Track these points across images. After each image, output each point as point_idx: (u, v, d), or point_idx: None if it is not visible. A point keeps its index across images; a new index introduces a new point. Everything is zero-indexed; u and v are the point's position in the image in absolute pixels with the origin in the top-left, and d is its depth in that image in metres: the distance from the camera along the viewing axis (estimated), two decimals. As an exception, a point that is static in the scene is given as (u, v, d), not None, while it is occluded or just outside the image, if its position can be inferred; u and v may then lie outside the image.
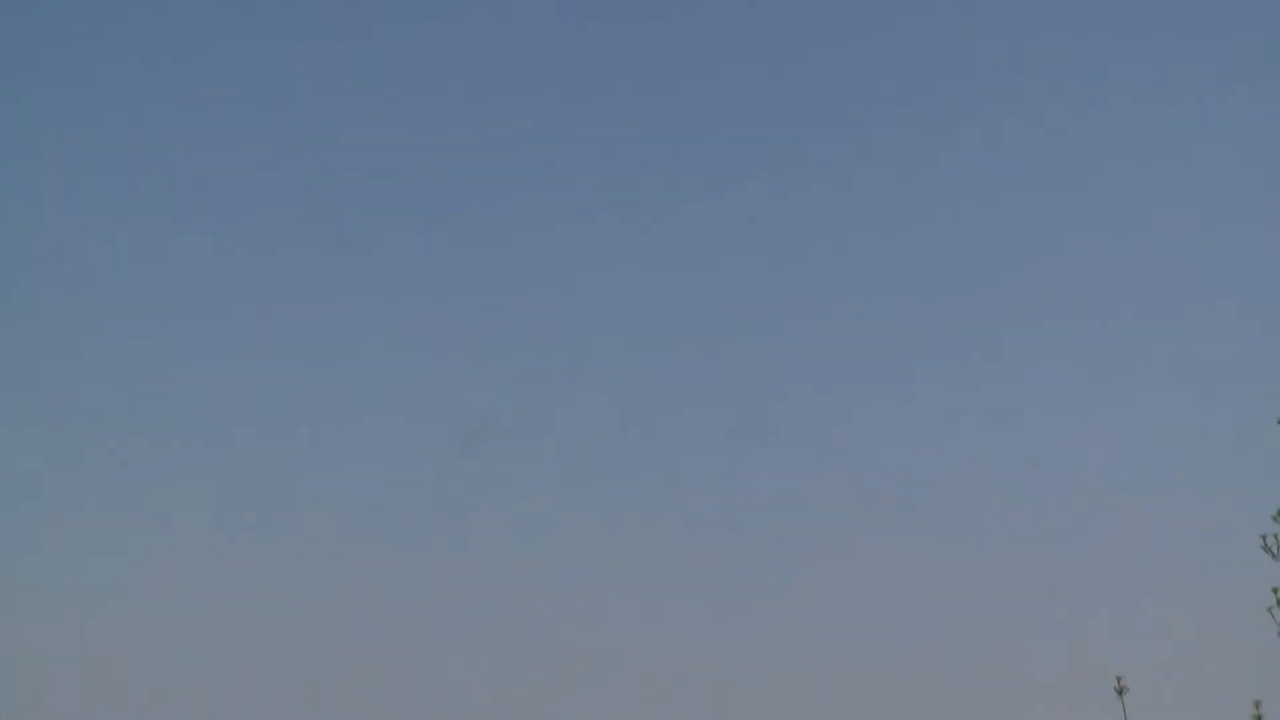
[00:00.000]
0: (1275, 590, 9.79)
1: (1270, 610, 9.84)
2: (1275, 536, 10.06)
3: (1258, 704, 10.96)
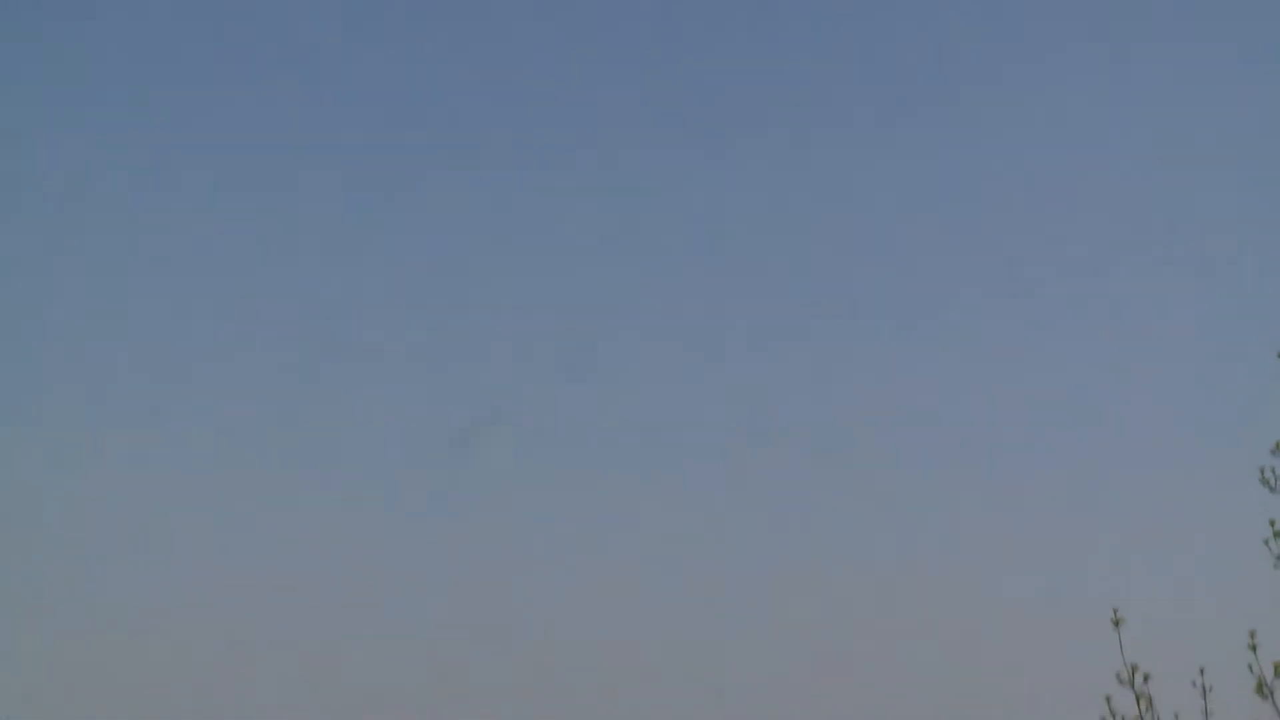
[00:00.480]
0: (1273, 523, 9.87)
1: (1266, 542, 9.93)
2: (1273, 469, 10.16)
3: (1253, 634, 11.00)
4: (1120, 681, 10.65)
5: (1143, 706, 10.54)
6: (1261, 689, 10.29)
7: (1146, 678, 10.61)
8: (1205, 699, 10.51)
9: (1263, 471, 10.90)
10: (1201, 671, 10.61)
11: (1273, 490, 11.16)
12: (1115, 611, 11.38)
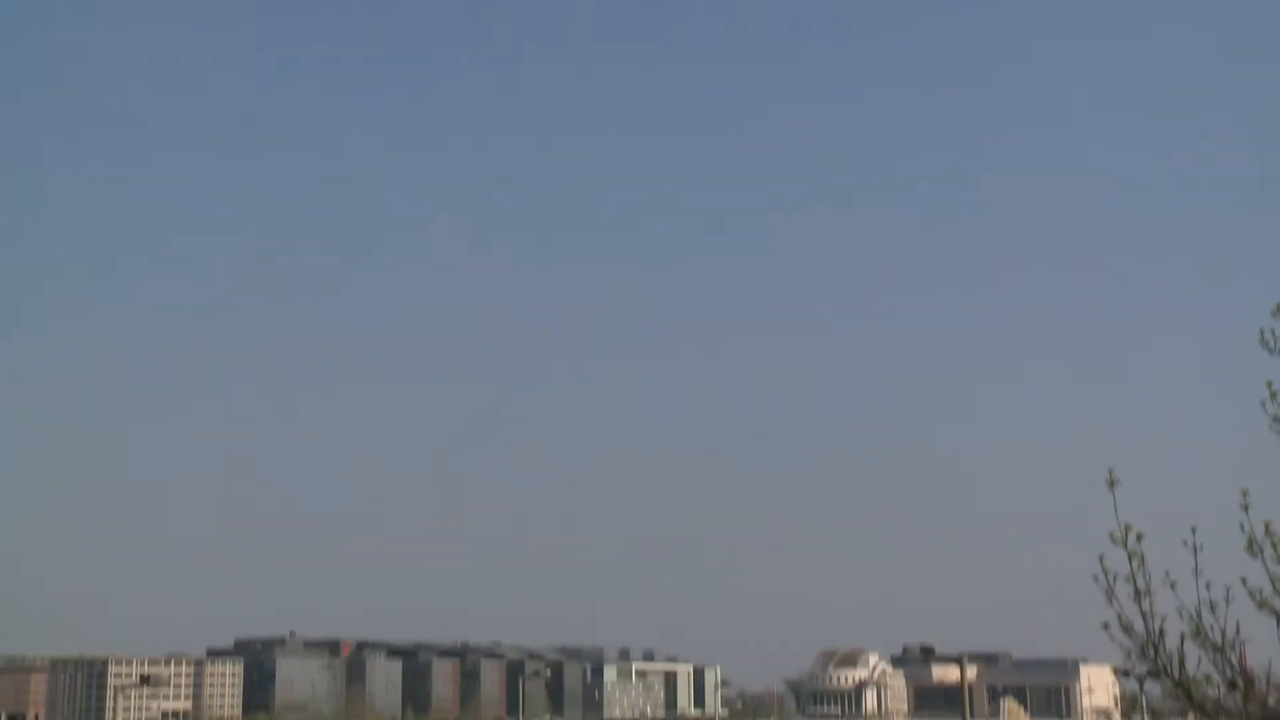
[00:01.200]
0: (1269, 384, 9.87)
1: (1263, 404, 9.95)
2: (1274, 331, 10.12)
3: (1245, 494, 11.11)
4: (1114, 541, 10.83)
5: (1135, 565, 10.73)
6: (1252, 547, 10.49)
7: (1140, 537, 10.79)
8: (1196, 557, 10.71)
9: (1263, 334, 10.94)
10: (1193, 530, 10.80)
11: (1272, 352, 11.19)
12: (1111, 472, 11.51)
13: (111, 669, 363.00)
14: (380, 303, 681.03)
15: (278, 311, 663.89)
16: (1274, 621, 10.48)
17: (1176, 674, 10.61)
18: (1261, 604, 10.54)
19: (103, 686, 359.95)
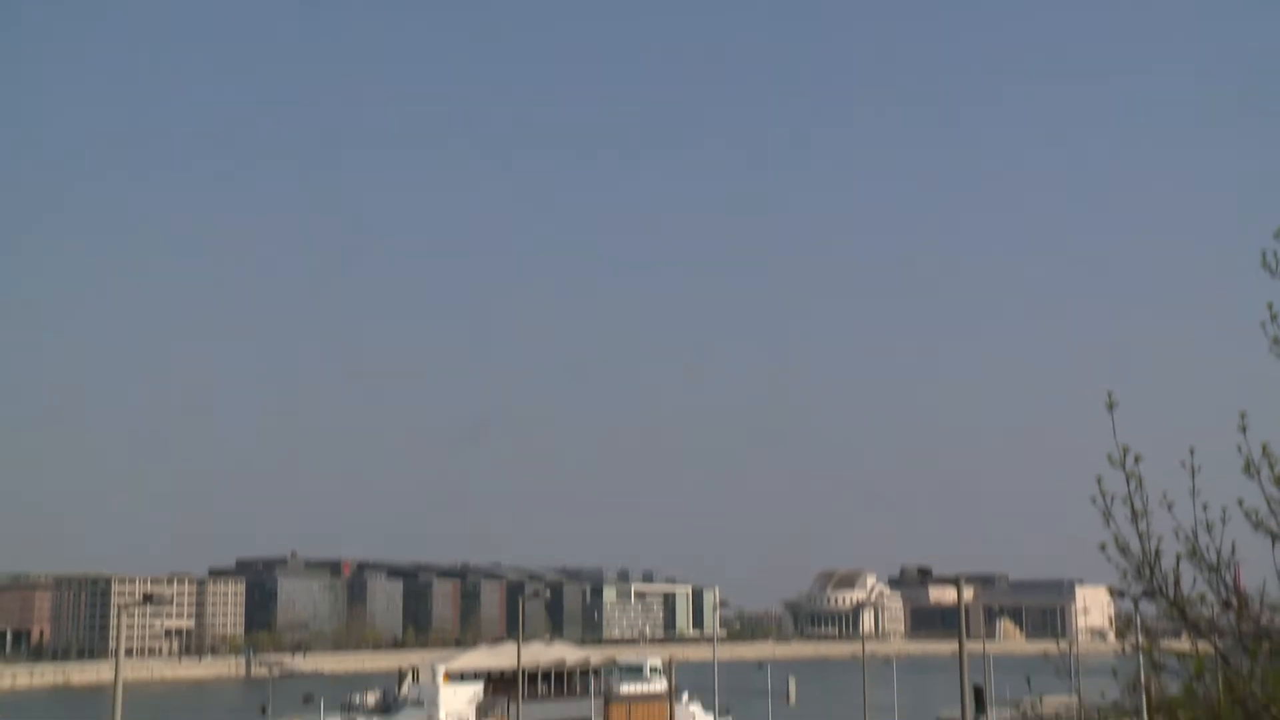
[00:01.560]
0: (1270, 305, 9.83)
1: (1263, 325, 9.89)
2: (1275, 253, 10.07)
3: (1243, 415, 11.08)
4: (1112, 463, 10.88)
5: (1132, 486, 10.79)
6: (1249, 468, 10.54)
7: (1138, 459, 10.84)
8: (1193, 478, 10.76)
9: (1264, 255, 10.94)
10: (1191, 452, 10.84)
11: (1274, 274, 11.20)
12: (1110, 395, 11.54)
13: (115, 587, 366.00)
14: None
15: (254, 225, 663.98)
16: (1269, 542, 10.56)
17: (1171, 594, 10.70)
18: (1257, 524, 10.61)
19: (106, 604, 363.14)
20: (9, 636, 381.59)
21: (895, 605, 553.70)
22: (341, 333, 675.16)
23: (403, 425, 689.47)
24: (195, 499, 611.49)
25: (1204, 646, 10.90)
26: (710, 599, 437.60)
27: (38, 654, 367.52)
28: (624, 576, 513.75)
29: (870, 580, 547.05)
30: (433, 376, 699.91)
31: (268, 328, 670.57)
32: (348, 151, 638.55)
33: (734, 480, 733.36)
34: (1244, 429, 10.58)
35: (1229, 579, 10.70)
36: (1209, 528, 10.67)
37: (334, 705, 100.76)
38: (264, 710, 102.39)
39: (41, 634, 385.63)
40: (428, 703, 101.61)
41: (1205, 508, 10.69)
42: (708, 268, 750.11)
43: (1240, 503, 10.58)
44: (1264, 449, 10.55)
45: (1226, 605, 10.78)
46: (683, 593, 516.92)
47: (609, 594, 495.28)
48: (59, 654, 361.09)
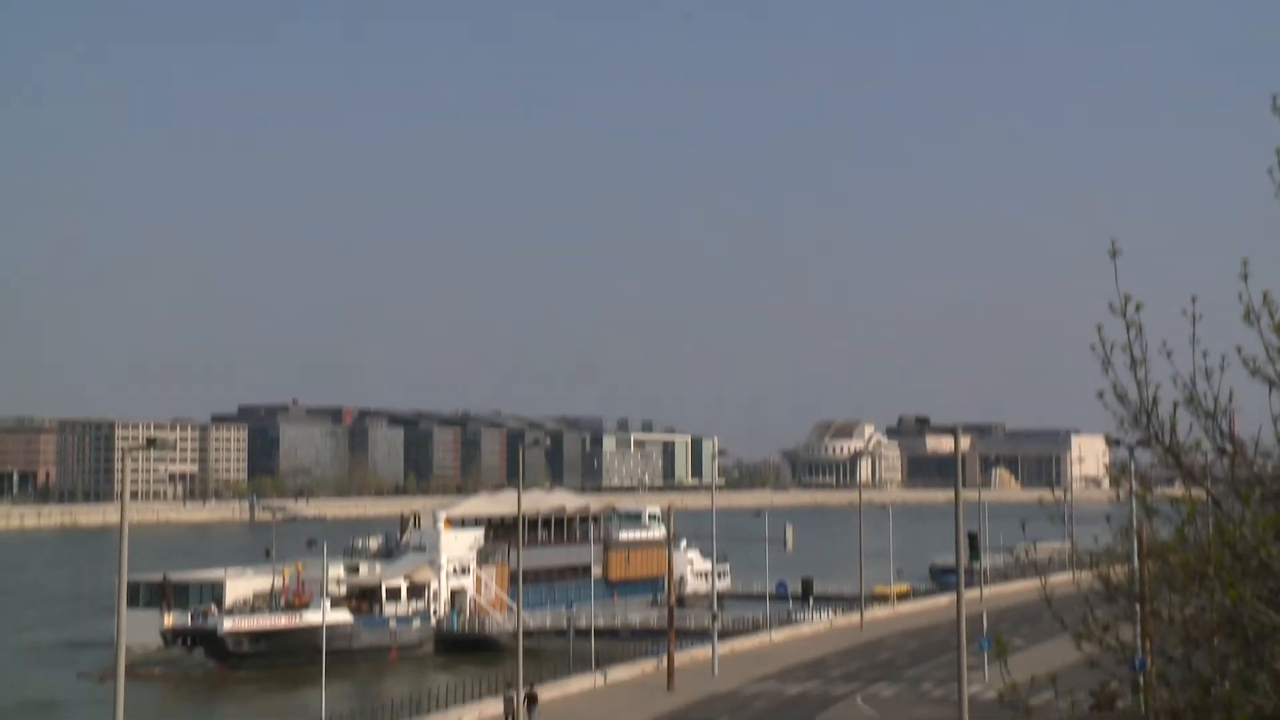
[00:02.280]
0: (1278, 150, 9.70)
1: (1270, 171, 9.79)
2: (1286, 98, 9.95)
3: (1245, 263, 10.96)
4: (1113, 311, 10.87)
5: (1132, 334, 10.78)
6: (1249, 316, 10.53)
7: (1139, 307, 10.82)
8: (1193, 326, 10.76)
9: (1275, 99, 10.80)
10: (1193, 300, 10.82)
11: (1283, 120, 11.05)
12: (1114, 243, 11.50)
13: (118, 432, 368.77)
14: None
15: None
16: (1266, 389, 10.61)
17: (1167, 441, 10.78)
18: (1255, 371, 10.64)
19: (110, 449, 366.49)
20: (14, 478, 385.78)
21: (892, 455, 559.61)
22: (343, 202, 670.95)
23: (404, 274, 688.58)
24: (197, 346, 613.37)
25: (1197, 493, 11.01)
26: (709, 448, 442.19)
27: (44, 496, 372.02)
28: (623, 426, 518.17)
29: (868, 430, 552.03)
30: (433, 226, 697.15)
31: (270, 172, 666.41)
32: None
33: (734, 331, 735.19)
34: (1245, 276, 10.56)
35: (1225, 426, 10.77)
36: (1207, 375, 10.70)
37: (337, 550, 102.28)
38: (268, 554, 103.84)
39: (47, 476, 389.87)
40: (429, 548, 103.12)
41: (1205, 355, 10.71)
42: (709, 120, 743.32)
43: (1239, 350, 10.59)
44: (1264, 297, 10.53)
45: (1221, 452, 10.86)
46: (681, 442, 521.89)
47: (608, 443, 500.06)
48: (65, 496, 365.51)
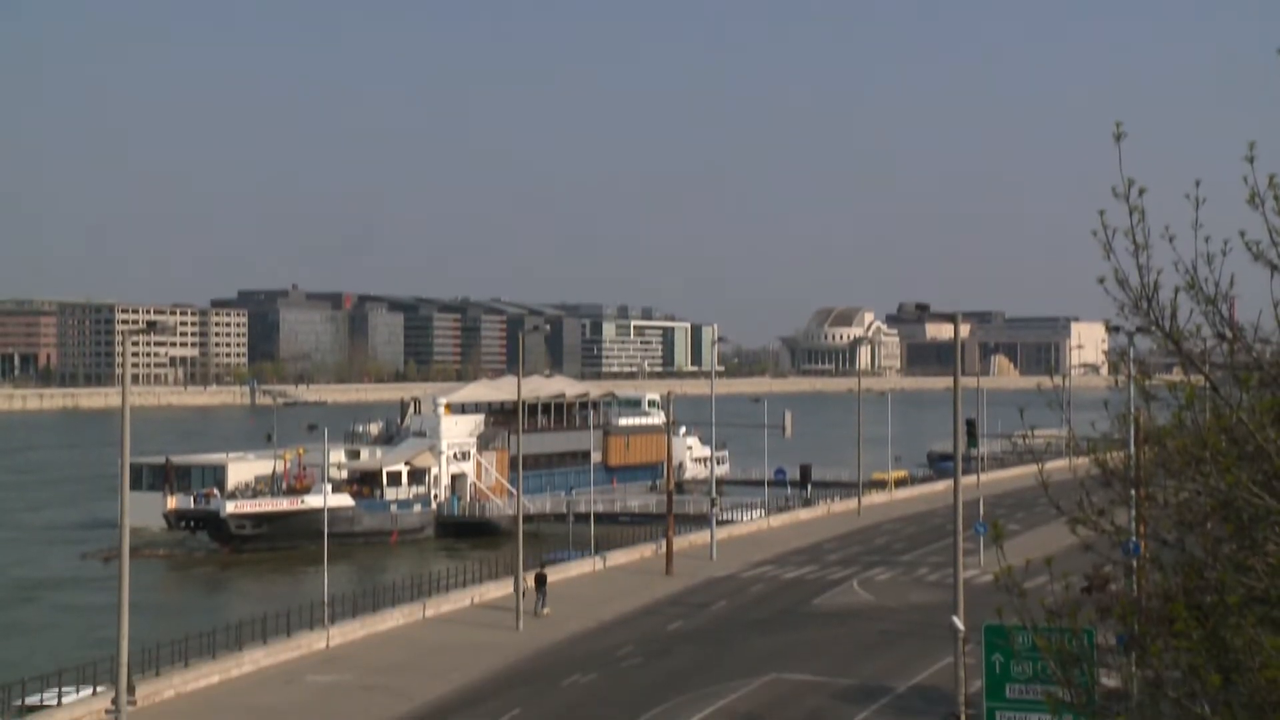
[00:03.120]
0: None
1: (1278, 51, 9.58)
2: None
3: (1252, 145, 10.83)
4: (1116, 196, 10.75)
5: (1135, 219, 10.68)
6: (1254, 199, 10.41)
7: (1142, 191, 10.70)
8: (1196, 210, 10.65)
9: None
10: (1197, 183, 10.70)
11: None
12: (1118, 126, 11.36)
13: (118, 315, 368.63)
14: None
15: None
16: (1268, 274, 10.53)
17: (1167, 326, 10.73)
18: (1257, 256, 10.55)
19: (110, 332, 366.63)
20: (15, 360, 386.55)
21: (892, 342, 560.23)
22: (340, 82, 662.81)
23: (404, 157, 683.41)
24: (195, 230, 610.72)
25: (1196, 378, 11.00)
26: (709, 335, 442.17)
27: (45, 378, 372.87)
28: (623, 313, 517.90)
29: (868, 317, 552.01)
30: (432, 108, 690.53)
31: (267, 50, 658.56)
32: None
33: (735, 217, 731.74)
34: (1251, 159, 10.41)
35: (1225, 311, 10.72)
36: (1209, 260, 10.62)
37: (338, 435, 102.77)
38: (269, 438, 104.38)
39: (48, 359, 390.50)
40: (430, 433, 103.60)
41: (1208, 240, 10.62)
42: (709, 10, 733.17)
43: (1242, 234, 10.49)
44: (1270, 180, 10.41)
45: (1221, 337, 10.81)
46: (681, 329, 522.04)
47: (608, 329, 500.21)
48: (66, 379, 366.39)
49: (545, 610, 58.84)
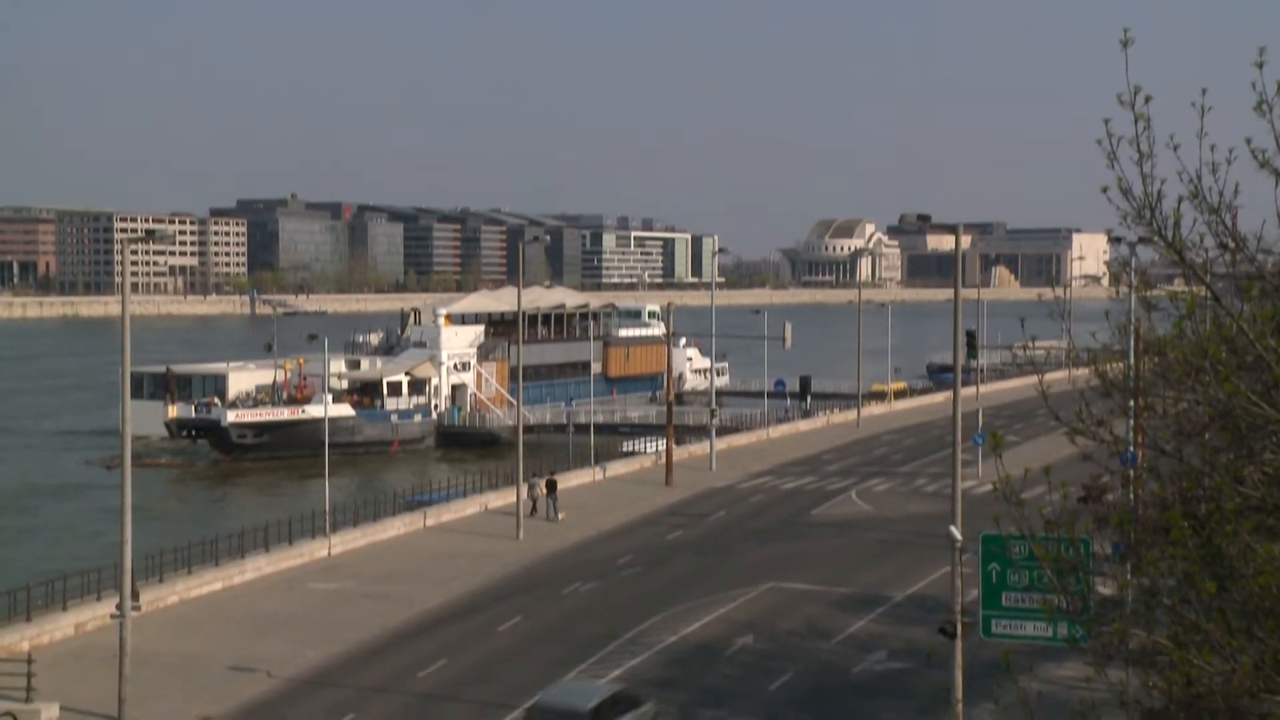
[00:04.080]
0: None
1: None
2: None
3: (1262, 51, 10.67)
4: (1121, 103, 10.65)
5: (1140, 128, 10.59)
6: (1261, 106, 10.31)
7: (1148, 99, 10.59)
8: (1202, 118, 10.55)
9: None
10: (1203, 91, 10.59)
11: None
12: (1126, 31, 11.22)
13: (116, 223, 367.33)
14: None
15: None
16: (1273, 182, 10.45)
17: (1170, 236, 10.68)
18: (1263, 164, 10.46)
19: (109, 240, 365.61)
20: (14, 267, 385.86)
21: (893, 253, 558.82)
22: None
23: (403, 67, 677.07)
24: (194, 138, 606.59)
25: (1197, 289, 10.97)
26: (709, 246, 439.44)
27: (45, 286, 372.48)
28: (623, 223, 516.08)
29: (869, 229, 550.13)
30: (436, 16, 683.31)
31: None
32: None
33: (735, 127, 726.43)
34: (1261, 65, 10.28)
35: (1228, 220, 10.66)
36: (1213, 170, 10.54)
37: (338, 345, 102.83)
38: (269, 348, 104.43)
39: (48, 267, 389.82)
40: (430, 344, 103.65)
41: (1213, 149, 10.52)
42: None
43: (1248, 141, 10.39)
44: (1279, 87, 10.30)
45: (1223, 247, 10.78)
46: (682, 240, 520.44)
47: (608, 240, 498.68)
48: (66, 287, 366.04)
49: (561, 515, 59.83)
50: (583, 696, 30.76)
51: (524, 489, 58.17)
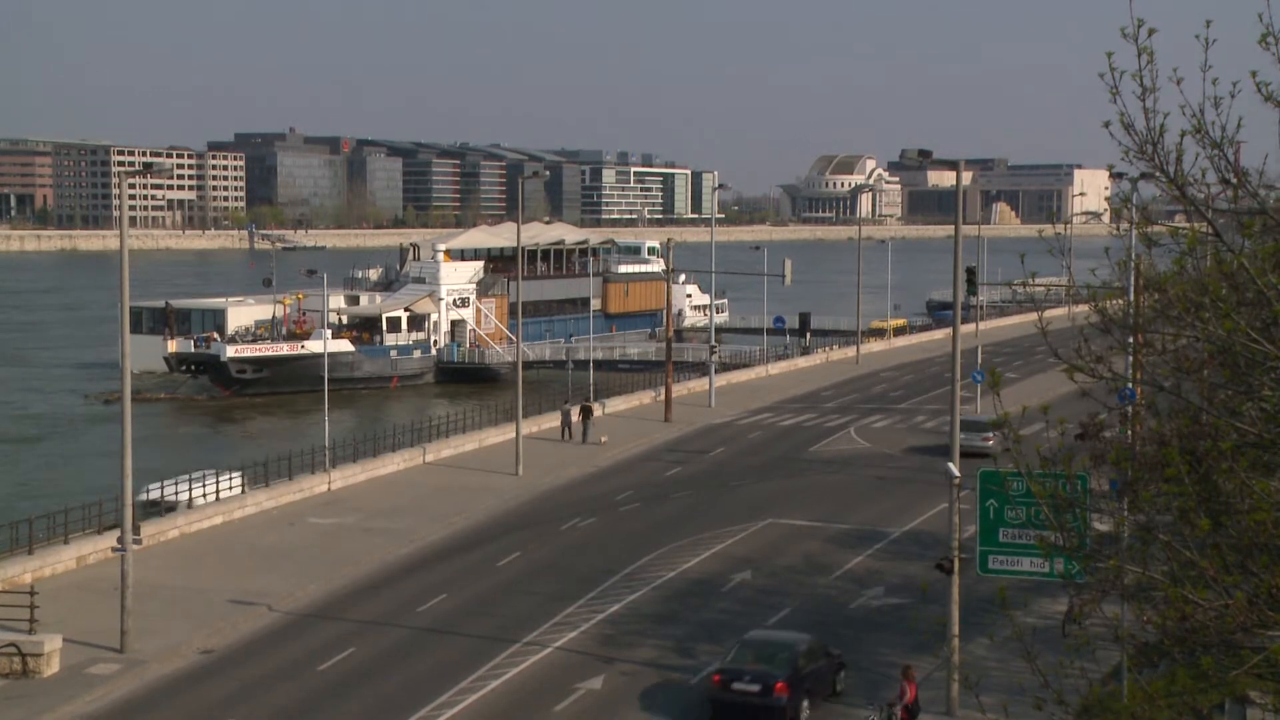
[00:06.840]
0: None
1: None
2: None
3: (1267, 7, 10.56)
4: (1124, 36, 10.53)
5: (1143, 62, 10.47)
6: (1266, 38, 10.17)
7: (1151, 32, 10.46)
8: (1205, 51, 10.43)
9: None
10: (1207, 24, 10.46)
11: None
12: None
13: (114, 156, 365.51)
14: None
15: None
16: (1277, 117, 10.36)
17: (1172, 171, 10.61)
18: (1268, 98, 10.35)
19: (106, 174, 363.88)
20: (12, 200, 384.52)
21: (893, 189, 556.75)
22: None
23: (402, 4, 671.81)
24: (191, 71, 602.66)
25: (1198, 225, 10.92)
26: (709, 182, 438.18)
27: (42, 219, 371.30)
28: (623, 159, 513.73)
29: (869, 165, 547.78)
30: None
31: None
32: None
33: (735, 62, 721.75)
34: (1269, 32, 10.07)
35: (1230, 156, 10.58)
36: (1216, 104, 10.43)
37: (337, 281, 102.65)
38: (268, 283, 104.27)
39: (45, 199, 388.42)
40: (429, 280, 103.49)
41: (1215, 83, 10.41)
42: None
43: (1254, 74, 10.27)
44: (1286, 17, 10.16)
45: (1225, 183, 10.70)
46: (681, 175, 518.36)
47: (608, 176, 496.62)
48: (63, 220, 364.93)
49: (603, 439, 62.15)
50: (793, 638, 30.90)
51: (560, 413, 60.52)
